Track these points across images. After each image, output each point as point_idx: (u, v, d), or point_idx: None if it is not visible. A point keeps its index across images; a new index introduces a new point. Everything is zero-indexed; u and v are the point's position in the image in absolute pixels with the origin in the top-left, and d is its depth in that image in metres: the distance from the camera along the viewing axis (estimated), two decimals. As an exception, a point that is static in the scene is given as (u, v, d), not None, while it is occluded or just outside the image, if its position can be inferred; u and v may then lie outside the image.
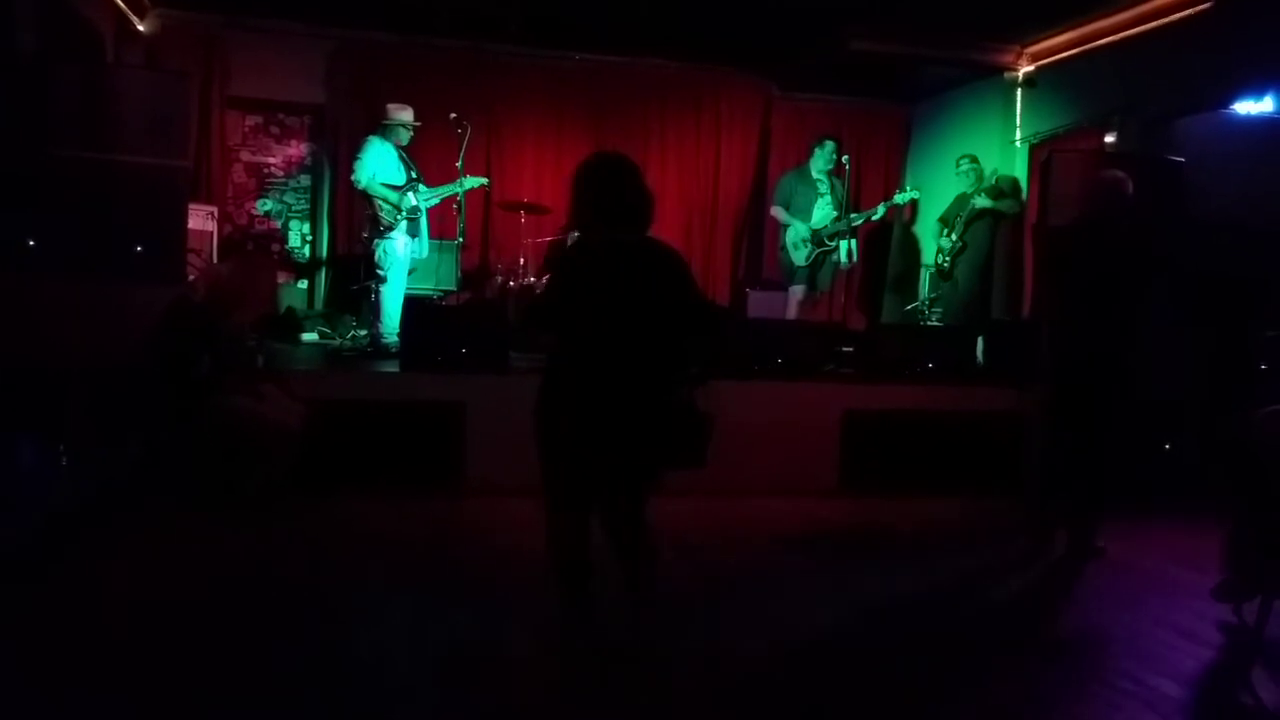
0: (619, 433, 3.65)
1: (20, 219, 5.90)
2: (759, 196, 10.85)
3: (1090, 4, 8.08)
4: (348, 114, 9.76)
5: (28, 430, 5.36)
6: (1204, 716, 3.77)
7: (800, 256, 8.95)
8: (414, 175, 7.95)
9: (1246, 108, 7.07)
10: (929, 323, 9.35)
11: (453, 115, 8.22)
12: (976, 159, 9.17)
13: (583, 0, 8.79)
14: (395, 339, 7.53)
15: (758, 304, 9.50)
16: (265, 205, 10.07)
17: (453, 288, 9.19)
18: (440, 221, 8.81)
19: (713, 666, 3.94)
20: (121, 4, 8.47)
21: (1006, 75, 9.52)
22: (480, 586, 4.71)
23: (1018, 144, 9.45)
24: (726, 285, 10.85)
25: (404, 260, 7.88)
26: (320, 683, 3.59)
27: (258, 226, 10.09)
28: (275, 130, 10.10)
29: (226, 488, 5.58)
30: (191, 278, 6.65)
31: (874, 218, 9.19)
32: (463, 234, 8.55)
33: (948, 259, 9.05)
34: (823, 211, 9.00)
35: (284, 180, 10.12)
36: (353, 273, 8.84)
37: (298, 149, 10.14)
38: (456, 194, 8.22)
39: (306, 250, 10.16)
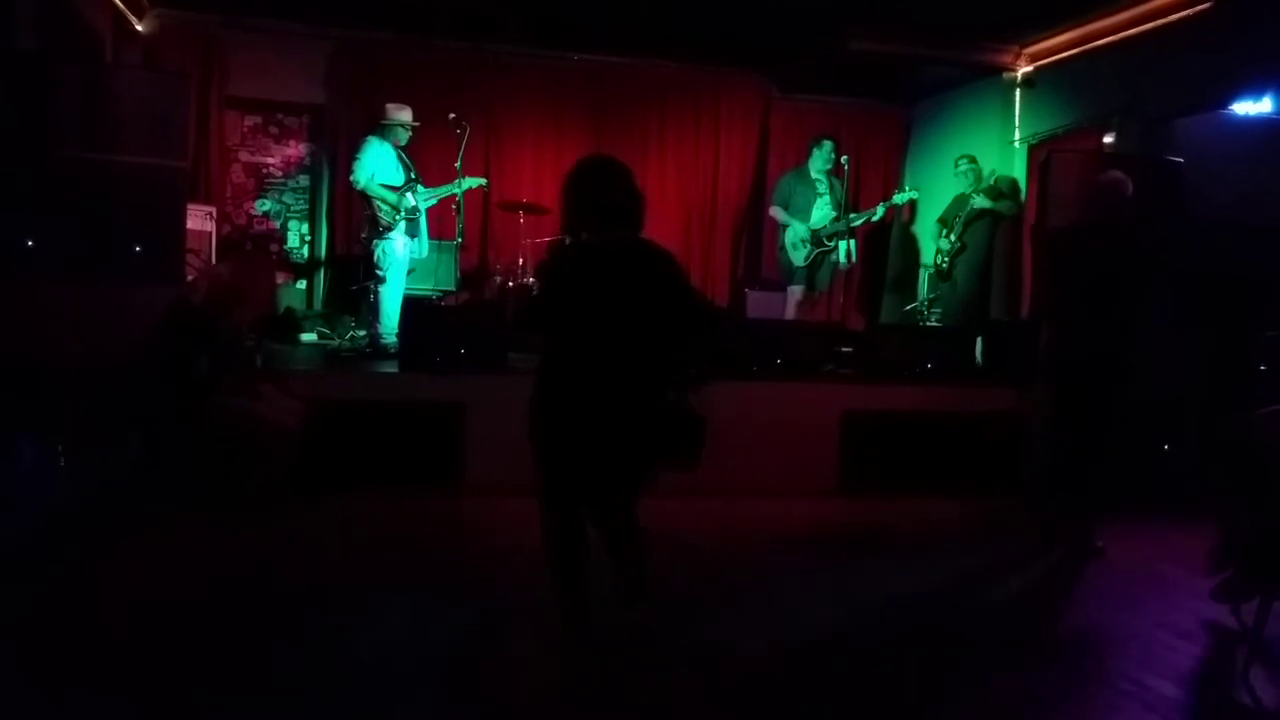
0: (611, 433, 3.66)
1: (19, 219, 5.89)
2: (758, 197, 10.85)
3: (1089, 4, 8.08)
4: (346, 114, 9.76)
5: (28, 430, 5.36)
6: (1203, 717, 3.77)
7: (799, 257, 8.95)
8: (413, 176, 7.95)
9: (1246, 108, 7.07)
10: (928, 323, 9.34)
11: (452, 115, 8.22)
12: (975, 159, 9.17)
13: (582, 0, 8.78)
14: (394, 339, 7.53)
15: (757, 304, 9.50)
16: (264, 205, 10.07)
17: (452, 288, 9.19)
18: (439, 222, 8.80)
19: (713, 666, 3.94)
20: (120, 4, 8.46)
21: (1005, 76, 9.52)
22: (480, 586, 4.72)
23: (1016, 144, 9.45)
24: (725, 285, 10.85)
25: (403, 260, 7.89)
26: (320, 683, 3.59)
27: (256, 227, 10.08)
28: (274, 130, 10.09)
29: (226, 488, 5.57)
30: (190, 278, 6.65)
31: (873, 219, 9.18)
32: (462, 234, 8.55)
33: (946, 259, 9.05)
34: (822, 212, 9.00)
35: (283, 180, 10.11)
36: (352, 273, 8.84)
37: (296, 149, 10.14)
38: (455, 194, 8.22)
39: (305, 250, 10.15)
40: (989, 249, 9.03)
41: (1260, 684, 3.86)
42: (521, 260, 9.02)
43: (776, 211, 9.20)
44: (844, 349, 8.14)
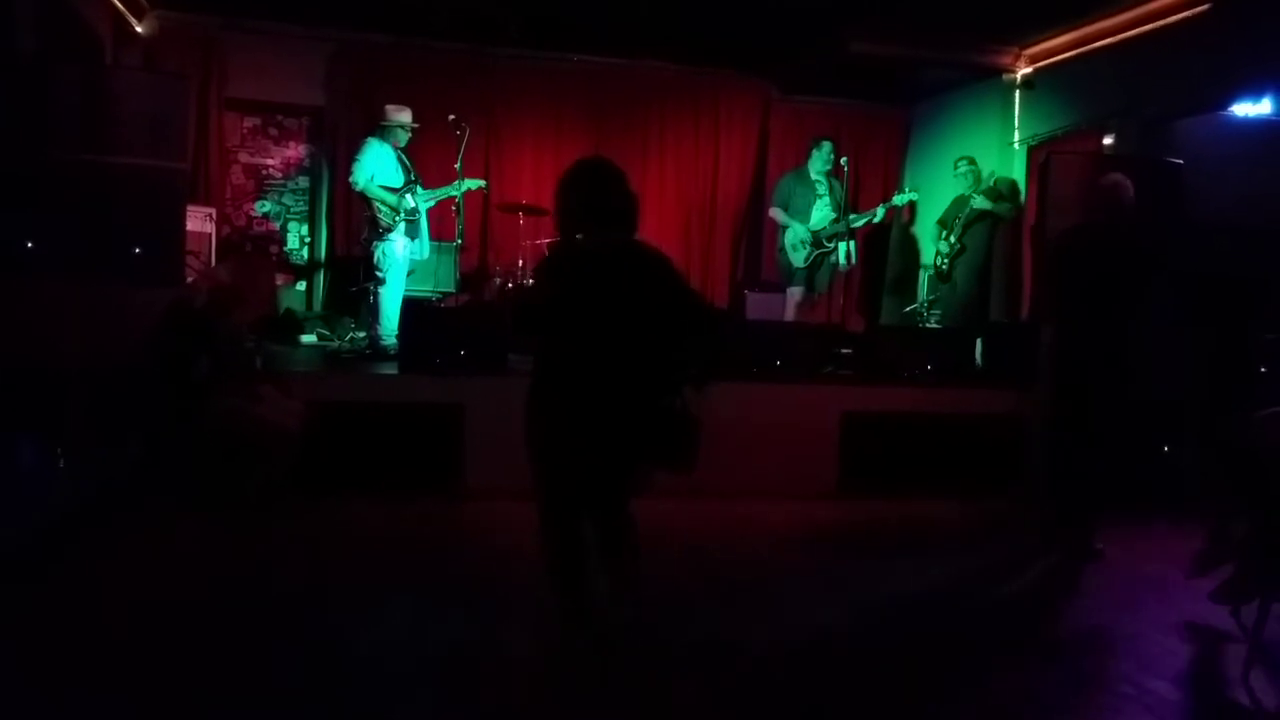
0: (604, 435, 3.67)
1: (19, 220, 5.89)
2: (758, 198, 10.85)
3: (1089, 6, 8.08)
4: (346, 116, 9.76)
5: (28, 430, 5.36)
6: (1202, 719, 3.78)
7: (799, 258, 8.94)
8: (412, 177, 7.94)
9: (1245, 109, 7.07)
10: (927, 325, 9.34)
11: (451, 117, 8.22)
12: (975, 161, 9.17)
13: (582, 2, 8.78)
14: (394, 341, 7.53)
15: (756, 305, 9.50)
16: (264, 207, 10.07)
17: (451, 289, 9.18)
18: (439, 223, 8.80)
19: (713, 666, 3.94)
20: (120, 6, 8.47)
21: (1005, 77, 9.53)
22: (479, 587, 4.72)
23: (1016, 146, 9.45)
24: (725, 287, 10.84)
25: (403, 262, 7.89)
26: (320, 683, 3.59)
27: (256, 228, 10.08)
28: (274, 132, 10.09)
29: (226, 489, 5.57)
30: (190, 280, 6.65)
31: (874, 220, 9.18)
32: (461, 236, 8.55)
33: (946, 261, 9.05)
34: (821, 213, 9.00)
35: (282, 182, 10.11)
36: (351, 274, 8.84)
37: (296, 151, 10.14)
38: (454, 196, 8.22)
39: (305, 252, 10.15)
40: (989, 250, 9.03)
41: (1260, 686, 3.86)
42: (521, 262, 9.02)
43: (776, 213, 9.20)
44: (843, 350, 8.14)
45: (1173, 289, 6.30)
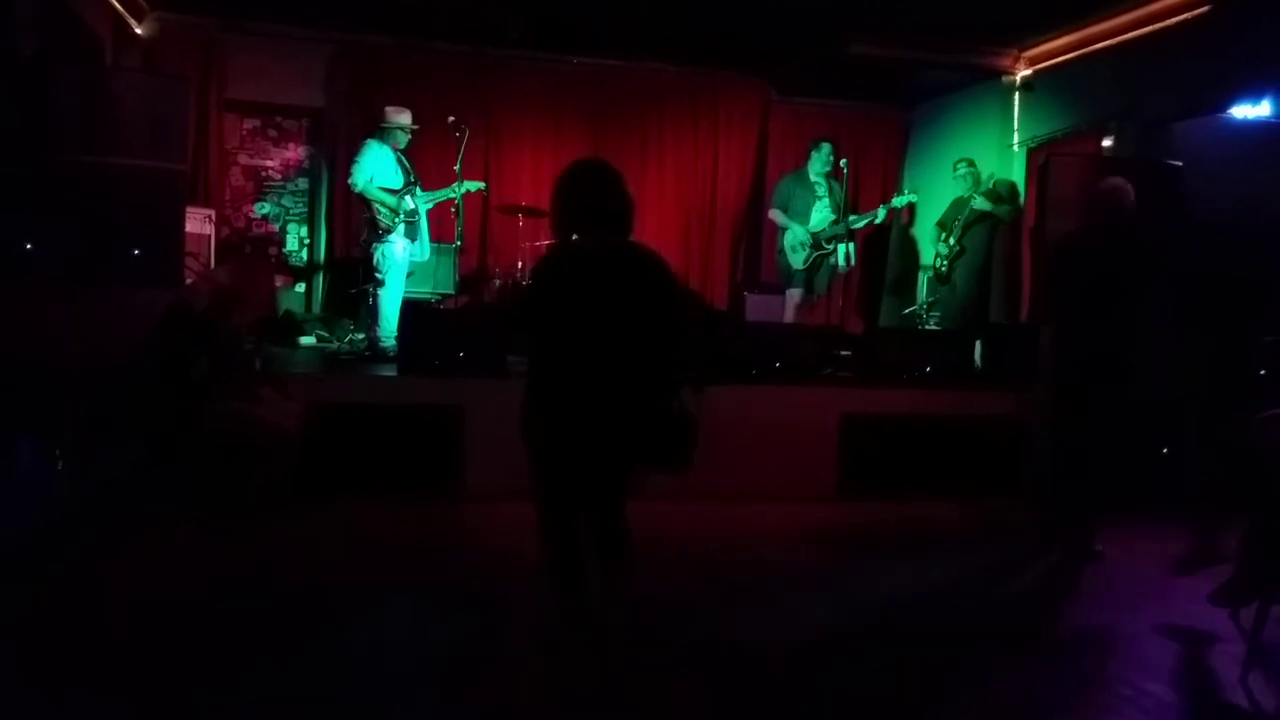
0: (597, 435, 3.67)
1: (18, 221, 5.89)
2: (757, 200, 10.86)
3: (1088, 8, 8.09)
4: (346, 117, 9.76)
5: (27, 431, 5.36)
6: (1200, 720, 3.78)
7: (798, 259, 8.94)
8: (411, 179, 7.94)
9: (1244, 112, 7.07)
10: (927, 326, 9.34)
11: (451, 119, 8.23)
12: (974, 163, 9.16)
13: (581, 4, 8.78)
14: (393, 342, 7.52)
15: (756, 307, 9.50)
16: (263, 208, 10.07)
17: (451, 291, 9.17)
18: (438, 225, 8.80)
19: (713, 666, 3.94)
20: (119, 7, 8.47)
21: (1004, 79, 9.54)
22: (479, 589, 4.72)
23: (1015, 148, 9.46)
24: (725, 288, 10.85)
25: (402, 263, 7.89)
26: (320, 683, 3.59)
27: (255, 230, 10.08)
28: (273, 133, 10.09)
29: (225, 491, 5.57)
30: (190, 281, 6.65)
31: (875, 221, 9.19)
32: (461, 237, 8.56)
33: (946, 263, 9.05)
34: (821, 214, 9.00)
35: (282, 183, 10.11)
36: (350, 276, 8.83)
37: (296, 152, 10.14)
38: (454, 198, 8.22)
39: (304, 253, 10.15)
40: (988, 252, 9.03)
41: (1258, 688, 3.86)
42: (520, 264, 9.02)
43: (775, 214, 9.20)
44: (843, 352, 8.13)
45: (1173, 289, 6.30)
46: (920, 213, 10.52)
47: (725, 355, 7.05)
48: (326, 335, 8.93)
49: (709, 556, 5.53)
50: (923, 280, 10.14)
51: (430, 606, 4.47)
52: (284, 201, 10.11)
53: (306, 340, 8.80)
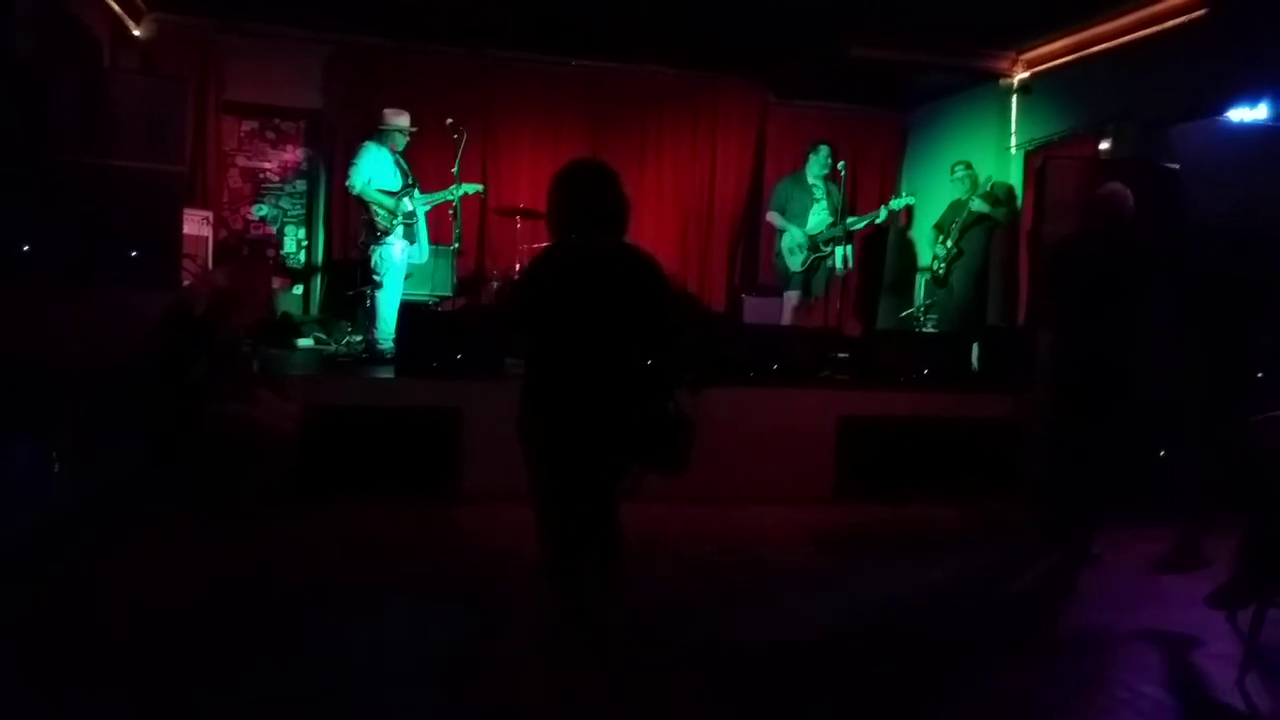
0: (596, 435, 3.67)
1: (16, 223, 5.89)
2: (755, 202, 10.85)
3: (1086, 11, 8.10)
4: (344, 119, 9.75)
5: (25, 431, 5.36)
6: (1197, 723, 3.79)
7: (796, 262, 8.94)
8: (410, 181, 7.94)
9: (1242, 115, 7.08)
10: (924, 329, 9.35)
11: (449, 121, 8.23)
12: (971, 165, 9.18)
13: (580, 6, 8.79)
14: (391, 344, 7.52)
15: (753, 309, 9.51)
16: (261, 210, 10.06)
17: (448, 293, 9.17)
18: (436, 227, 8.80)
19: (713, 666, 3.95)
20: (117, 9, 8.46)
21: (1002, 82, 9.55)
22: (477, 590, 4.71)
23: (1013, 150, 9.47)
24: (722, 290, 10.86)
25: (401, 265, 7.88)
26: (319, 684, 3.59)
27: (253, 231, 10.07)
28: (271, 135, 10.09)
29: (223, 492, 5.56)
30: (187, 283, 6.64)
31: (876, 221, 9.20)
32: (459, 239, 8.55)
33: (943, 265, 9.06)
34: (818, 217, 9.00)
35: (280, 185, 10.11)
36: (348, 278, 8.83)
37: (294, 154, 10.14)
38: (452, 200, 8.22)
39: (302, 255, 10.14)
40: (986, 255, 9.04)
41: (1255, 691, 3.86)
42: (518, 266, 9.01)
43: (773, 217, 9.20)
44: (840, 355, 8.14)
45: (1173, 290, 6.31)
46: (918, 215, 10.54)
47: (723, 357, 7.05)
48: (324, 337, 8.93)
49: (707, 558, 5.52)
50: (920, 283, 10.15)
51: (429, 607, 4.47)
52: (282, 203, 10.11)
53: (304, 342, 8.79)
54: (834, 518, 6.57)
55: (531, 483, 3.81)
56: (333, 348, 8.66)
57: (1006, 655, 4.31)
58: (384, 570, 4.98)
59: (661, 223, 10.52)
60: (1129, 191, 5.60)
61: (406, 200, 7.82)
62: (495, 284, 9.32)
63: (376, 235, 7.72)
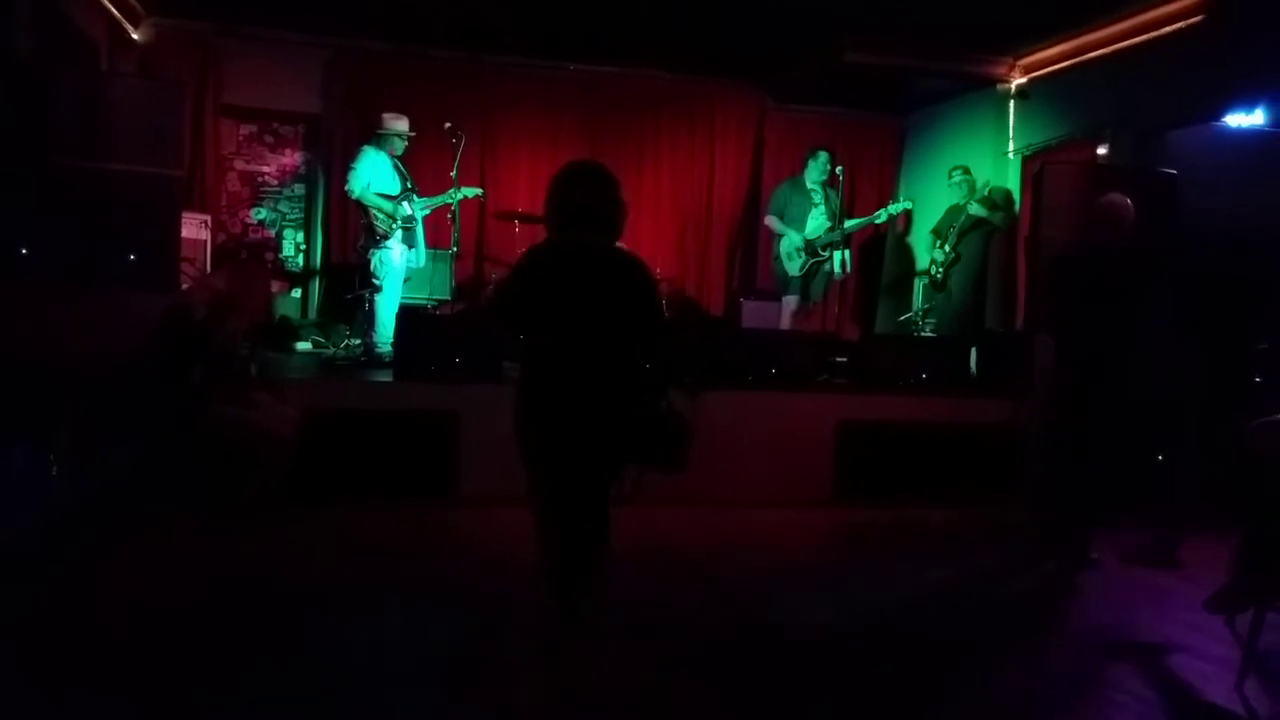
0: (590, 434, 3.68)
1: (16, 225, 5.89)
2: (753, 207, 10.85)
3: (1083, 17, 8.12)
4: (342, 123, 9.75)
5: (26, 432, 5.36)
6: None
7: (794, 266, 8.95)
8: (408, 185, 7.94)
9: (1238, 120, 7.11)
10: (922, 333, 9.36)
11: (447, 125, 8.23)
12: (969, 170, 9.19)
13: (578, 11, 8.79)
14: (389, 348, 7.52)
15: (752, 314, 9.52)
16: (259, 214, 10.06)
17: (447, 297, 9.16)
18: (434, 231, 8.80)
19: (712, 667, 3.96)
20: (116, 12, 8.45)
21: (999, 87, 9.56)
22: (476, 591, 4.72)
23: (1010, 156, 9.49)
24: (721, 295, 10.86)
25: (399, 270, 7.88)
26: (319, 684, 3.60)
27: (252, 235, 10.06)
28: (270, 139, 10.08)
29: (221, 495, 5.56)
30: (186, 287, 6.64)
31: (875, 222, 9.21)
32: (457, 243, 8.55)
33: (941, 270, 9.07)
34: (816, 221, 9.00)
35: (278, 189, 10.10)
36: (347, 282, 8.82)
37: (292, 158, 10.13)
38: (450, 204, 8.22)
39: (300, 259, 10.14)
40: (983, 260, 9.05)
41: (1254, 695, 3.87)
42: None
43: (772, 221, 9.21)
44: (839, 359, 8.15)
45: (1172, 291, 6.32)
46: (916, 220, 10.54)
47: (722, 361, 7.06)
48: (322, 341, 8.91)
49: (707, 559, 5.53)
50: (918, 287, 10.17)
51: (428, 608, 4.47)
52: (280, 207, 10.10)
53: (302, 346, 8.78)
54: (833, 520, 6.58)
55: (529, 484, 3.81)
56: (331, 351, 8.64)
57: (1006, 655, 4.32)
58: (382, 572, 4.99)
59: (660, 227, 10.53)
60: (1129, 201, 5.61)
61: (405, 204, 7.83)
62: (491, 288, 9.31)
63: (375, 239, 7.72)
